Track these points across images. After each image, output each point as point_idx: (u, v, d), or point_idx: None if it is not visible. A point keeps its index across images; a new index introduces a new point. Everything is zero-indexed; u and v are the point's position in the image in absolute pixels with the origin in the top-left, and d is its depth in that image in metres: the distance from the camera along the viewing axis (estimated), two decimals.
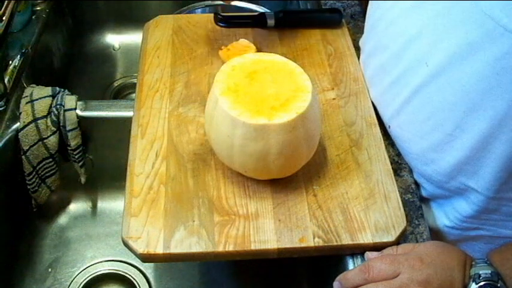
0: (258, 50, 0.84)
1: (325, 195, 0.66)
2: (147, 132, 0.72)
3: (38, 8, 1.00)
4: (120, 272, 0.89)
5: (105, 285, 0.88)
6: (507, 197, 0.63)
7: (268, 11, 1.00)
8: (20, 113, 0.81)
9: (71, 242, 0.92)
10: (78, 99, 0.84)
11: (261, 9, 1.06)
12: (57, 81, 0.95)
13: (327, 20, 0.90)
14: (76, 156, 0.86)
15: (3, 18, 0.80)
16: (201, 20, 0.90)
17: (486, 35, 0.55)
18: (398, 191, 0.67)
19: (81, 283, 0.87)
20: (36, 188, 0.86)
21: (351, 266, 0.63)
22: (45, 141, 0.82)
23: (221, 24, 0.88)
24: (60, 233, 0.94)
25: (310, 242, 0.62)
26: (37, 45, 0.95)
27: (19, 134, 0.81)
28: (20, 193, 0.86)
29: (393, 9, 0.69)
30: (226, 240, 0.61)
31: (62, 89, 0.85)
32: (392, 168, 0.70)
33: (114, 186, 0.97)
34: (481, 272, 0.56)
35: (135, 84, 0.80)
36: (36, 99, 0.82)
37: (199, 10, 1.08)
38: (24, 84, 0.87)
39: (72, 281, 0.87)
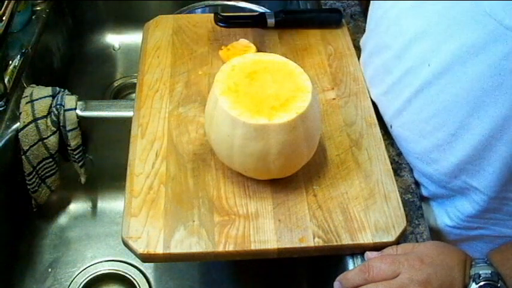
0: (258, 50, 0.84)
1: (325, 195, 0.66)
2: (147, 132, 0.72)
3: (38, 8, 1.00)
4: (120, 272, 0.89)
5: (105, 285, 0.88)
6: (509, 196, 0.63)
7: (268, 11, 1.00)
8: (20, 113, 0.81)
9: (71, 242, 0.92)
10: (78, 99, 0.84)
11: (261, 9, 1.06)
12: (57, 81, 0.95)
13: (327, 20, 0.90)
14: (76, 156, 0.86)
15: (3, 18, 0.80)
16: (201, 20, 0.90)
17: (488, 35, 0.55)
18: (399, 191, 0.67)
19: (81, 283, 0.87)
20: (36, 188, 0.86)
21: (351, 266, 0.63)
22: (45, 141, 0.82)
23: (221, 24, 0.88)
24: (60, 233, 0.94)
25: (310, 242, 0.62)
26: (37, 45, 0.95)
27: (19, 134, 0.81)
28: (20, 193, 0.86)
29: (394, 8, 0.69)
30: (226, 240, 0.61)
31: (62, 89, 0.85)
32: (393, 168, 0.70)
33: (114, 186, 0.97)
34: (481, 272, 0.56)
35: (135, 84, 0.80)
36: (36, 99, 0.82)
37: (199, 10, 1.08)
38: (24, 84, 0.87)
39: (72, 281, 0.87)
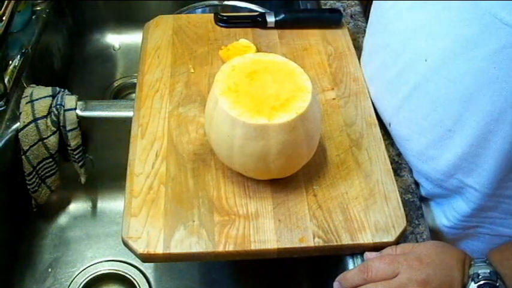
0: (258, 50, 0.84)
1: (325, 195, 0.66)
2: (147, 132, 0.72)
3: (38, 8, 1.00)
4: (120, 272, 0.89)
5: (105, 285, 0.88)
6: (505, 194, 0.63)
7: (268, 11, 1.00)
8: (20, 113, 0.81)
9: (71, 242, 0.92)
10: (78, 99, 0.84)
11: (261, 9, 1.06)
12: (57, 81, 0.95)
13: (327, 20, 0.90)
14: (76, 156, 0.86)
15: (3, 18, 0.80)
16: (201, 20, 0.90)
17: (484, 29, 0.55)
18: (399, 191, 0.67)
19: (81, 283, 0.87)
20: (36, 188, 0.86)
21: (351, 266, 0.63)
22: (45, 141, 0.82)
23: (221, 24, 0.88)
24: (60, 233, 0.94)
25: (310, 242, 0.62)
26: (37, 45, 0.95)
27: (19, 134, 0.81)
28: (20, 193, 0.86)
29: (393, 8, 0.69)
30: (226, 240, 0.61)
31: (62, 89, 0.85)
32: (393, 168, 0.70)
33: (114, 186, 0.97)
34: (480, 272, 0.56)
35: (135, 84, 0.80)
36: (36, 99, 0.82)
37: (199, 10, 1.08)
38: (24, 84, 0.87)
39: (72, 281, 0.87)
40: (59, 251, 0.91)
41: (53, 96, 0.83)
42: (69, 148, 0.85)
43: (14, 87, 0.84)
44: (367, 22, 0.82)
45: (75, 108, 0.83)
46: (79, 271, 0.88)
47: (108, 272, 0.89)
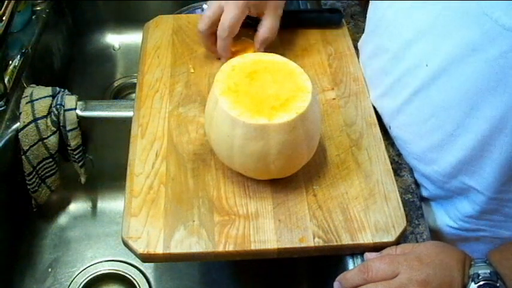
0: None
1: (325, 195, 0.66)
2: (147, 132, 0.72)
3: (38, 8, 1.00)
4: (120, 272, 0.89)
5: (105, 285, 0.88)
6: (508, 198, 0.63)
7: None
8: (20, 113, 0.81)
9: (71, 242, 0.92)
10: (78, 99, 0.84)
11: None
12: (57, 81, 0.95)
13: (327, 20, 0.89)
14: (76, 156, 0.86)
15: (3, 18, 0.80)
16: None
17: (485, 34, 0.55)
18: (399, 191, 0.67)
19: (81, 283, 0.87)
20: (36, 188, 0.86)
21: (351, 266, 0.63)
22: (45, 141, 0.82)
23: None
24: (60, 233, 0.94)
25: (310, 242, 0.62)
26: (37, 45, 0.95)
27: (19, 134, 0.81)
28: (20, 193, 0.86)
29: (392, 10, 0.69)
30: (226, 240, 0.61)
31: (62, 89, 0.85)
32: (393, 168, 0.70)
33: (114, 186, 0.97)
34: (480, 272, 0.56)
35: (135, 84, 0.80)
36: (36, 99, 0.82)
37: (199, 10, 1.08)
38: (24, 84, 0.87)
39: (72, 281, 0.87)
40: (59, 251, 0.91)
41: (53, 96, 0.83)
42: (69, 148, 0.85)
43: (14, 87, 0.84)
44: None
45: (75, 108, 0.83)
46: (79, 271, 0.88)
47: (108, 272, 0.89)
